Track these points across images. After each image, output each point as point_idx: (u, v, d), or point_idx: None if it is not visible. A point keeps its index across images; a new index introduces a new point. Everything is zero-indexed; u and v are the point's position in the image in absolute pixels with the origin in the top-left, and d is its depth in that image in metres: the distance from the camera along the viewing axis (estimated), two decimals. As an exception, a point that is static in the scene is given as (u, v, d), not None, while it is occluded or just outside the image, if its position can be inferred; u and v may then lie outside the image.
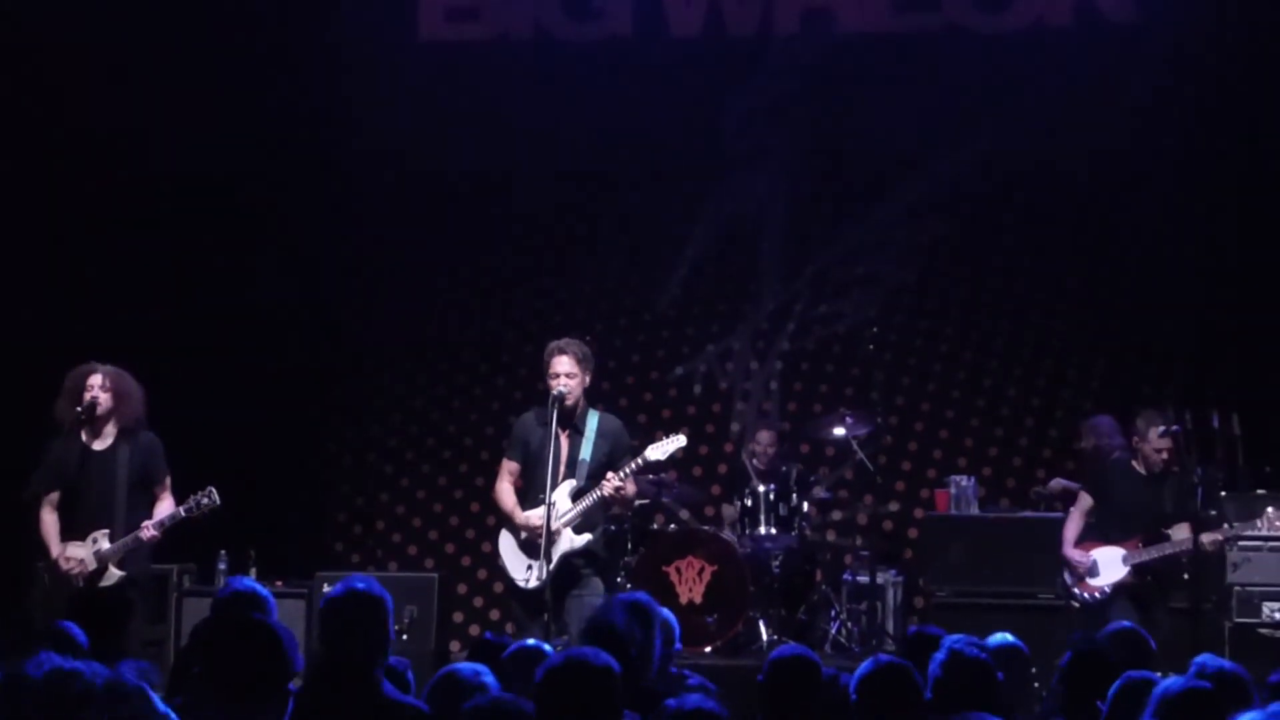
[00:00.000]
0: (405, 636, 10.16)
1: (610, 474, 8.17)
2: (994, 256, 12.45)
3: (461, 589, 12.38)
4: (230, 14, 11.99)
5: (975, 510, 10.76)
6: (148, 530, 8.28)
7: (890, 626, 11.06)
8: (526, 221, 12.74)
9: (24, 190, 11.66)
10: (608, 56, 12.54)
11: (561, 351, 8.26)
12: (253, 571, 10.82)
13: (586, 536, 8.17)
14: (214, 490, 8.33)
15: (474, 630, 12.22)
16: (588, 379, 8.38)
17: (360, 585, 5.17)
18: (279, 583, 10.78)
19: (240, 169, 12.04)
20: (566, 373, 8.22)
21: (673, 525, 11.77)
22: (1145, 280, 12.10)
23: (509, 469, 8.49)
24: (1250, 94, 11.67)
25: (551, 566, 7.99)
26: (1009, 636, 6.05)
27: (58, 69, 11.75)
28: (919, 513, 11.97)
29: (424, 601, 10.65)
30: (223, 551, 10.77)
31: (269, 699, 4.63)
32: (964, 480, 10.90)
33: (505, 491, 8.47)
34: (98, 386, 8.35)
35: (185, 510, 8.31)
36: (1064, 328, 12.35)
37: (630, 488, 8.36)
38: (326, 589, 10.20)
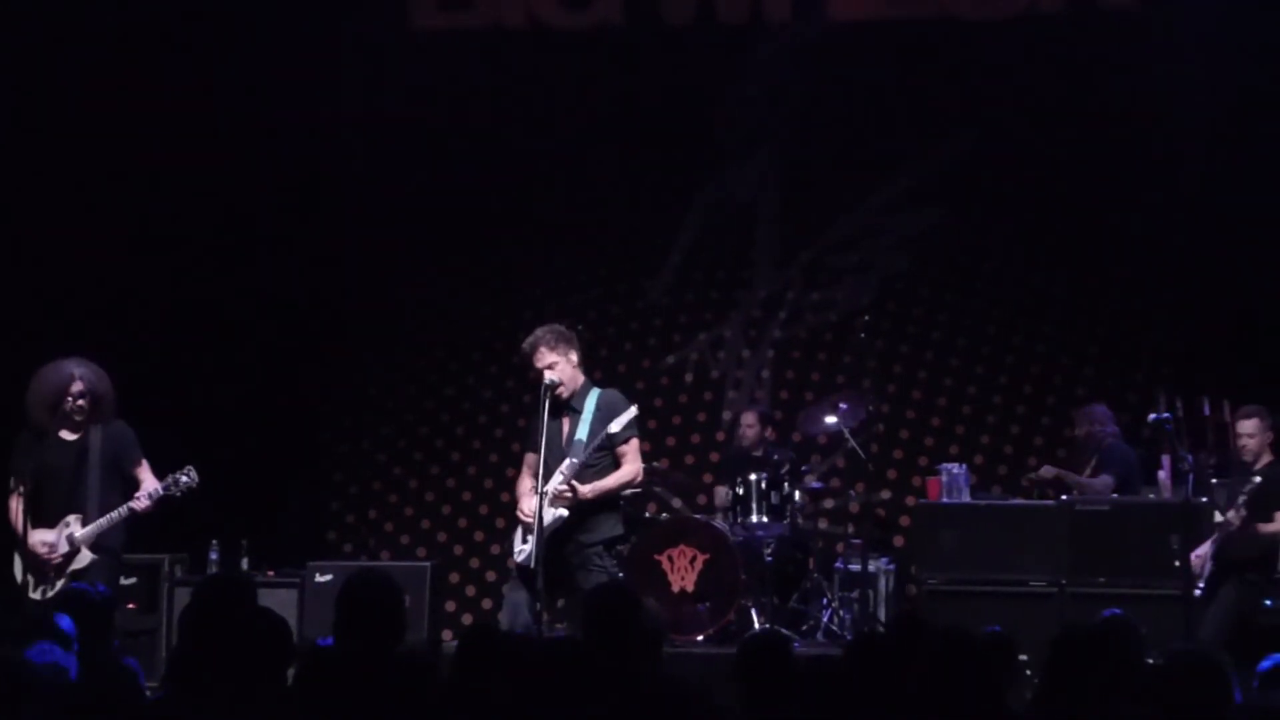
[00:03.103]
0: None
1: (562, 480, 8.12)
2: (987, 244, 12.45)
3: (454, 578, 12.37)
4: (217, 3, 11.98)
5: (967, 498, 10.76)
6: (141, 501, 8.26)
7: (882, 614, 11.08)
8: (518, 209, 12.70)
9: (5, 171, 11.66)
10: (600, 44, 12.53)
11: (532, 349, 8.30)
12: (244, 560, 10.84)
13: (564, 511, 8.14)
14: (193, 469, 8.30)
15: (467, 619, 12.23)
16: (574, 356, 8.36)
17: (377, 572, 5.27)
18: (270, 572, 10.80)
19: (234, 156, 12.03)
20: (546, 365, 8.27)
21: (664, 514, 11.77)
22: (1138, 267, 12.11)
23: (528, 461, 8.48)
24: (1244, 81, 11.65)
25: (540, 547, 7.98)
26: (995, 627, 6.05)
27: (34, 58, 11.76)
28: (911, 500, 11.97)
29: (416, 590, 10.64)
30: (214, 541, 10.76)
31: (266, 686, 4.64)
32: (956, 468, 10.89)
33: (520, 484, 8.52)
34: (76, 398, 8.28)
35: (164, 488, 8.29)
36: (1057, 315, 12.35)
37: (588, 487, 8.15)
38: (318, 578, 10.37)
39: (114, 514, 8.25)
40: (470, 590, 12.47)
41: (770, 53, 12.49)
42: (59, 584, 8.13)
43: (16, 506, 8.23)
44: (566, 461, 8.19)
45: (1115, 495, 10.51)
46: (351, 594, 5.19)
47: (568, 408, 8.35)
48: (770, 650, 5.33)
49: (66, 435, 8.35)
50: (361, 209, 12.68)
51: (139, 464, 8.43)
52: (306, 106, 12.19)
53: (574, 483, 8.13)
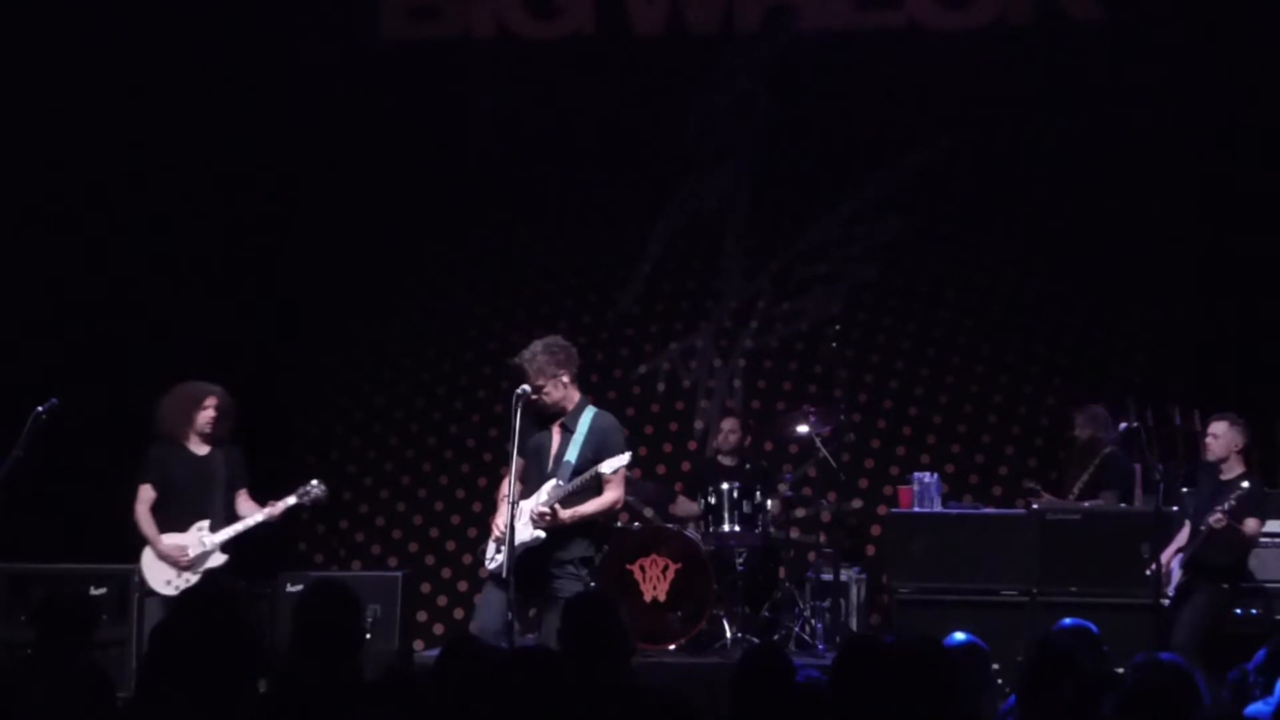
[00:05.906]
0: (369, 636, 10.13)
1: (544, 503, 8.07)
2: (957, 253, 12.48)
3: (425, 588, 12.34)
4: (191, 13, 11.95)
5: (939, 507, 10.79)
6: (274, 509, 8.99)
7: (854, 624, 11.10)
8: (488, 219, 12.70)
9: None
10: (570, 55, 12.54)
11: (521, 373, 8.25)
12: (215, 571, 10.79)
13: (541, 533, 8.10)
14: (321, 483, 9.13)
15: (438, 629, 12.21)
16: (565, 376, 8.26)
17: (332, 581, 5.27)
18: (241, 582, 10.74)
19: (203, 165, 12.00)
20: (536, 388, 8.20)
21: (636, 523, 11.77)
22: (1109, 276, 12.14)
23: (516, 465, 8.35)
24: (1212, 91, 11.71)
25: (512, 558, 7.95)
26: (966, 635, 6.05)
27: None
28: (882, 510, 11.98)
29: (388, 600, 10.62)
30: (185, 551, 10.72)
31: (237, 698, 4.63)
32: (927, 477, 10.91)
33: (500, 490, 8.47)
34: (213, 408, 9.07)
35: (296, 498, 9.04)
36: (1027, 324, 12.39)
37: (568, 512, 8.06)
38: (289, 589, 10.33)
39: (249, 520, 8.96)
40: (442, 600, 12.45)
41: (740, 63, 12.52)
42: (193, 579, 8.82)
43: (144, 511, 8.94)
44: (552, 483, 8.12)
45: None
46: (306, 603, 5.18)
47: (562, 424, 8.29)
48: (772, 673, 5.25)
49: (195, 449, 9.08)
50: (331, 220, 12.65)
51: (242, 489, 9.15)
52: (277, 115, 12.17)
53: (556, 506, 8.08)
